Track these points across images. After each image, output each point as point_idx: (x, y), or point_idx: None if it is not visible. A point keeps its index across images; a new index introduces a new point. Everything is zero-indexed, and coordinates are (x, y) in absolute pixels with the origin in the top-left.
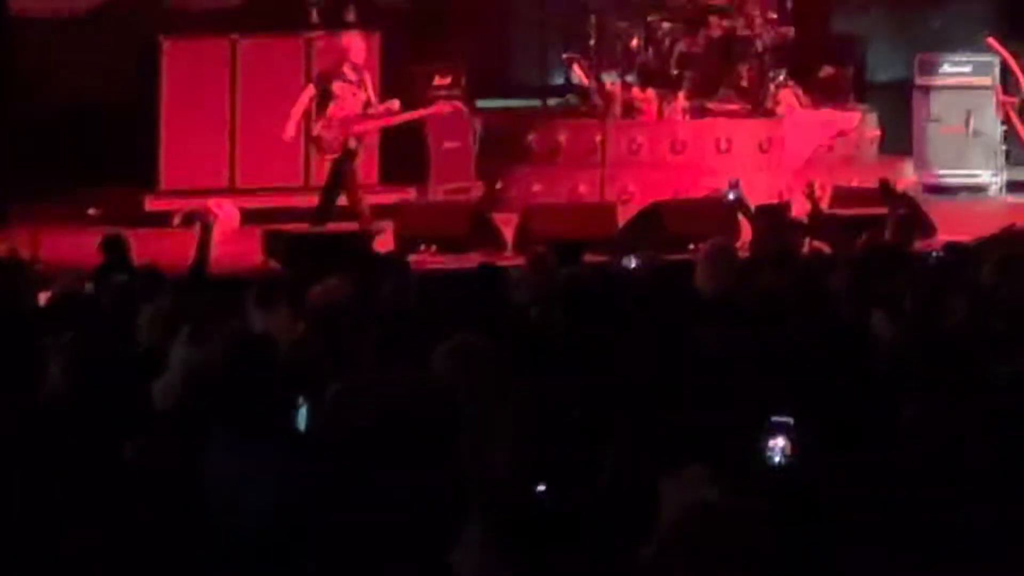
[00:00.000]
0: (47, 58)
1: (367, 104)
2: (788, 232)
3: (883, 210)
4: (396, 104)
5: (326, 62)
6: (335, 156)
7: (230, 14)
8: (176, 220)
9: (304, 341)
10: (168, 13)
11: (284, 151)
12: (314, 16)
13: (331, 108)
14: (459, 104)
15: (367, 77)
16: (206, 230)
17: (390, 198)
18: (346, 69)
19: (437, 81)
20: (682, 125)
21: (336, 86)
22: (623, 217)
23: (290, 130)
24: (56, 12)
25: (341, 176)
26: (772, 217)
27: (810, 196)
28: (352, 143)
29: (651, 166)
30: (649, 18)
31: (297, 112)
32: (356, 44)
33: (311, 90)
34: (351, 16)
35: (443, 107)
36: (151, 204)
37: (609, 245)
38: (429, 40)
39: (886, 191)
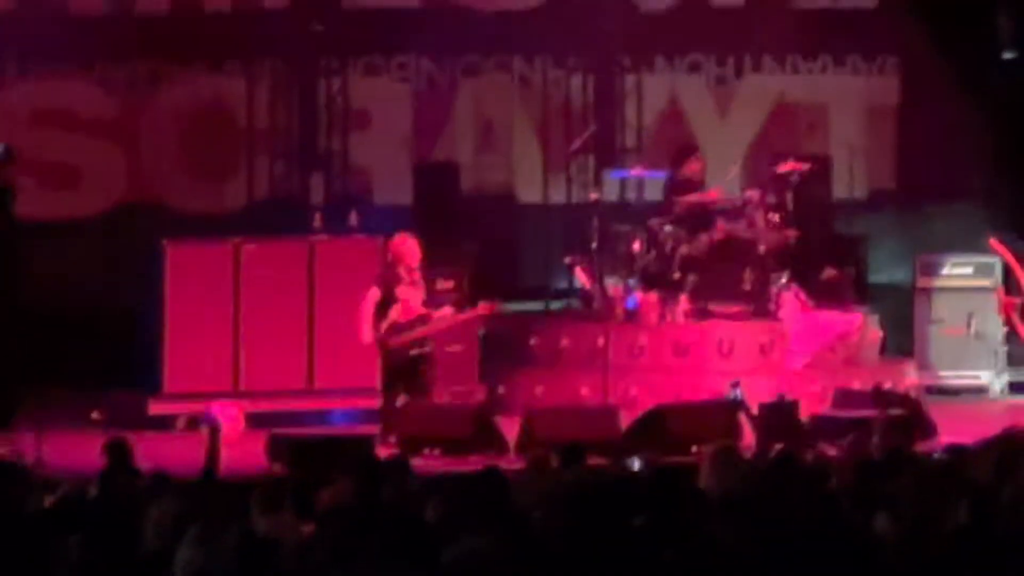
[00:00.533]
0: (52, 262)
1: (424, 303)
2: (793, 433)
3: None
4: (448, 310)
5: (382, 264)
6: (398, 364)
7: (233, 218)
8: (180, 424)
9: (311, 543)
10: (172, 218)
11: (287, 354)
12: (316, 220)
13: (393, 311)
14: (497, 305)
15: (419, 277)
16: (214, 434)
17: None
18: (402, 271)
19: (440, 285)
20: (684, 328)
21: (399, 290)
22: (626, 420)
23: (367, 335)
24: (61, 217)
25: (410, 380)
26: (779, 418)
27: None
28: (415, 350)
29: (653, 369)
30: (650, 221)
31: (368, 316)
32: (411, 246)
33: (376, 293)
34: (354, 220)
35: (485, 308)
36: (154, 408)
37: (612, 448)
38: (433, 243)
39: (878, 396)
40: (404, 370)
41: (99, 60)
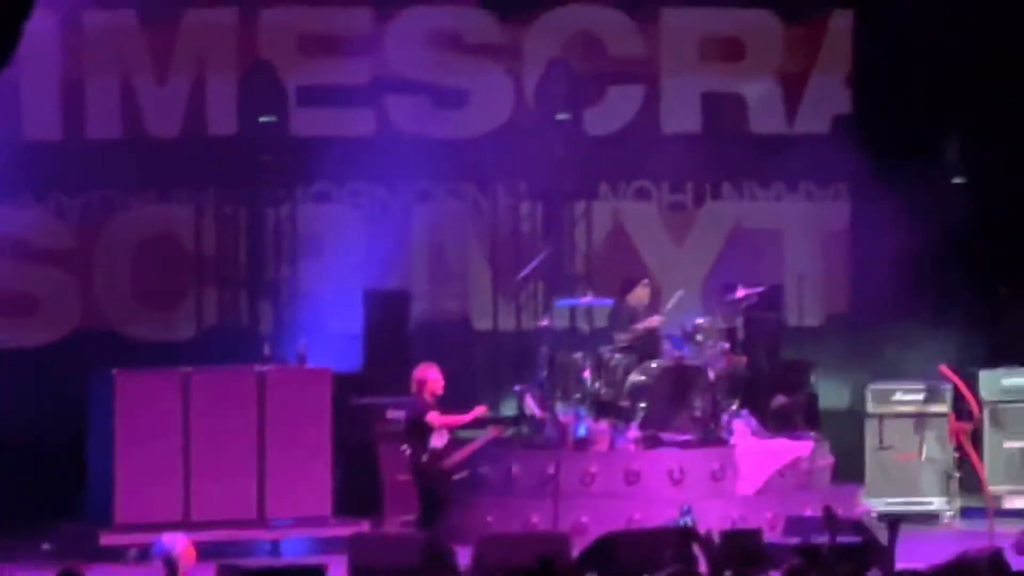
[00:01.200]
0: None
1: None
2: (753, 560)
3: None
4: (492, 431)
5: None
6: (440, 490)
7: (183, 346)
8: (131, 554)
9: None
10: (123, 346)
11: (238, 484)
12: (266, 349)
13: (435, 438)
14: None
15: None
16: (171, 566)
17: (344, 531)
18: (428, 398)
19: (389, 414)
20: (635, 455)
21: (429, 417)
22: (577, 548)
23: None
24: (7, 344)
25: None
26: (739, 544)
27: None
28: (457, 475)
29: (604, 497)
30: (600, 349)
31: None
32: (436, 374)
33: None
34: (303, 349)
35: (496, 432)
36: (105, 539)
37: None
38: (383, 371)
39: (830, 519)
40: (442, 496)
41: (53, 188)
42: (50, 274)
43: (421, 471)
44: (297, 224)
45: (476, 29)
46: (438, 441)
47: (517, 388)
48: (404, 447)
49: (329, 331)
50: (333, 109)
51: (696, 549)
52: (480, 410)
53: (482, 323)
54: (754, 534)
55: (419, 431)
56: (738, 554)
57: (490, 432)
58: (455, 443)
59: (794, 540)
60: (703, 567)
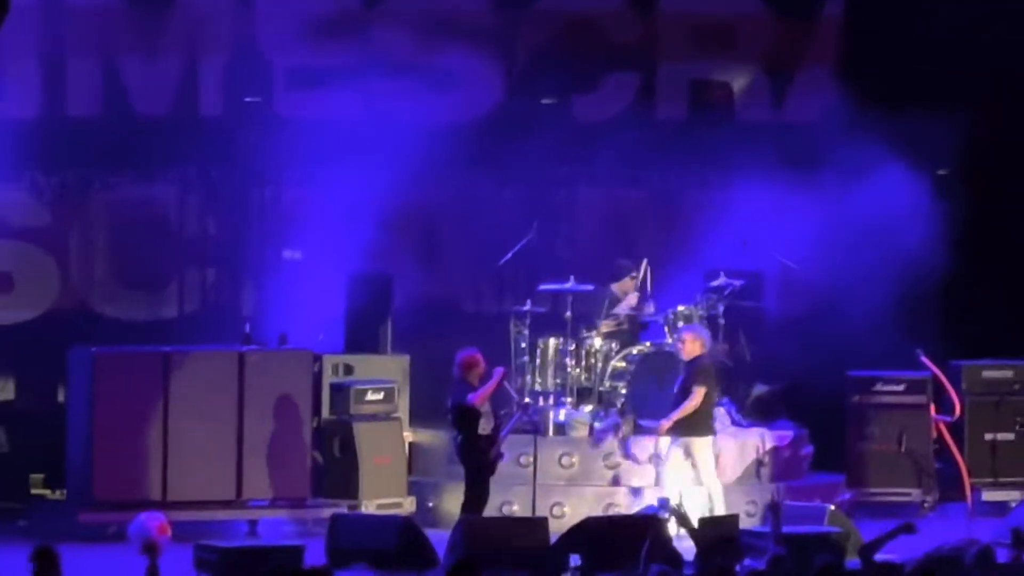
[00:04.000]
0: None
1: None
2: (730, 548)
3: (817, 528)
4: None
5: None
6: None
7: (164, 326)
8: (109, 532)
9: None
10: (103, 325)
11: (216, 465)
12: (247, 329)
13: (480, 425)
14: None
15: None
16: (152, 549)
17: (322, 513)
18: (475, 382)
19: (370, 396)
20: (615, 442)
21: (475, 400)
22: (556, 533)
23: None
24: None
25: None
26: (719, 531)
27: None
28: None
29: (583, 482)
30: (582, 334)
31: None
32: (479, 358)
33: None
34: (284, 332)
35: (503, 371)
36: (84, 517)
37: (540, 560)
38: (364, 354)
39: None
40: (487, 480)
41: (30, 166)
42: (27, 252)
43: (473, 456)
44: (282, 205)
45: (468, 12)
46: (485, 426)
47: (497, 371)
48: (454, 433)
49: (311, 312)
50: (319, 91)
51: (676, 536)
52: (500, 372)
53: (465, 306)
54: (730, 521)
55: (469, 417)
56: (715, 541)
57: (498, 373)
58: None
59: (770, 529)
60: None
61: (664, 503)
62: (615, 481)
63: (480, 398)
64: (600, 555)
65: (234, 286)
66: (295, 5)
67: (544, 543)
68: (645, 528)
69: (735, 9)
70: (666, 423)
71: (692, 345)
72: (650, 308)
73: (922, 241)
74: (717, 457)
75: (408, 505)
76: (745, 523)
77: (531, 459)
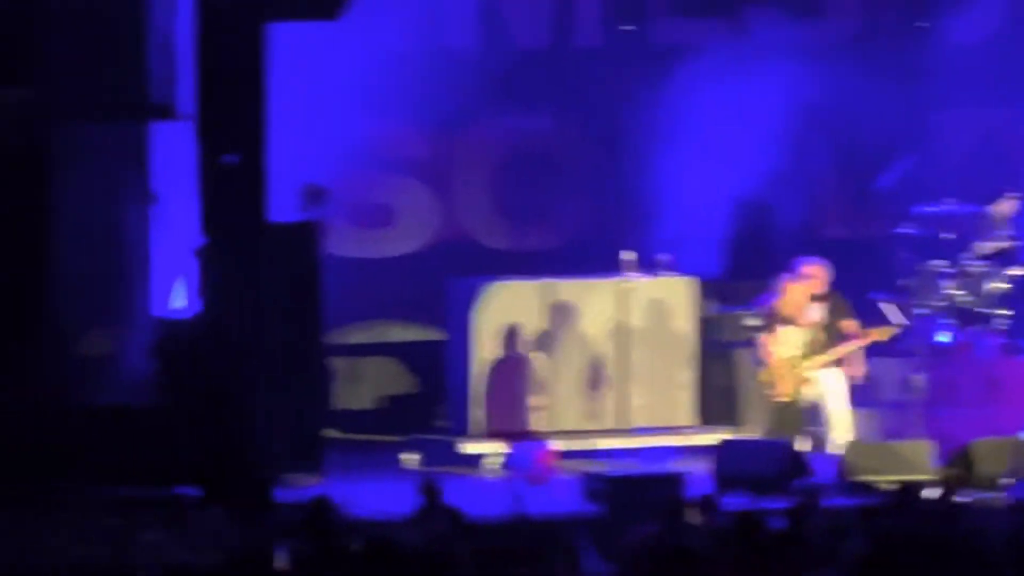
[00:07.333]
0: (358, 297)
1: None
2: None
3: None
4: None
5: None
6: None
7: (544, 256)
8: (488, 464)
9: None
10: (481, 256)
11: (598, 394)
12: (628, 256)
13: None
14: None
15: None
16: (526, 479)
17: (705, 439)
18: None
19: (749, 321)
20: (996, 363)
21: None
22: (939, 456)
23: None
24: (372, 255)
25: None
26: None
27: None
28: None
29: (965, 404)
30: (961, 256)
31: None
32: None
33: None
34: (665, 259)
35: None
36: (464, 447)
37: None
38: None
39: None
40: None
41: (410, 101)
42: (409, 185)
43: None
44: (658, 124)
45: None
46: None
47: (875, 296)
48: None
49: (692, 238)
50: (692, 18)
51: None
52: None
53: (836, 231)
54: None
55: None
56: None
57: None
58: None
59: None
60: None
61: None
62: (999, 402)
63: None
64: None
65: (613, 214)
66: None
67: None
68: None
69: None
70: None
71: None
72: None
73: None
74: None
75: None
76: None
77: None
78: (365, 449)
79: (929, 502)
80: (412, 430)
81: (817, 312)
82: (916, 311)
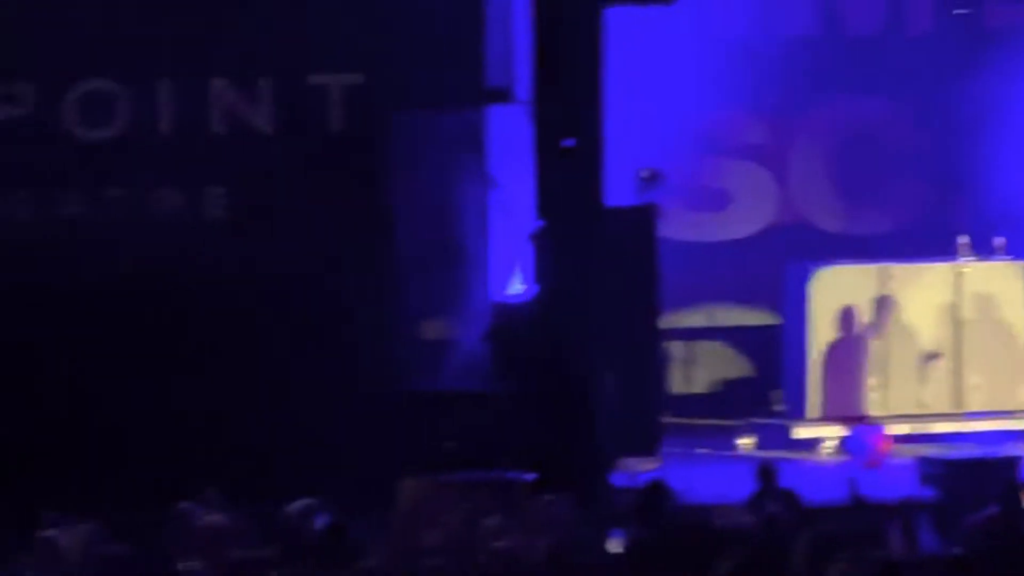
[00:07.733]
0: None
1: None
2: None
3: None
4: None
5: None
6: None
7: (878, 240)
8: (825, 447)
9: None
10: (816, 240)
11: (932, 378)
12: (964, 240)
13: None
14: None
15: None
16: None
17: None
18: None
19: None
20: None
21: None
22: None
23: None
24: (703, 239)
25: None
26: None
27: None
28: None
29: None
30: None
31: None
32: None
33: None
34: (998, 243)
35: None
36: (799, 431)
37: None
38: None
39: None
40: None
41: (748, 87)
42: (746, 169)
43: None
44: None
45: None
46: None
47: None
48: None
49: None
50: None
51: None
52: None
53: None
54: None
55: None
56: None
57: None
58: None
59: None
60: None
61: None
62: None
63: None
64: None
65: (945, 197)
66: None
67: None
68: None
69: None
70: None
71: None
72: None
73: None
74: None
75: None
76: None
77: None
78: (700, 433)
79: None
80: (748, 414)
81: None
82: None
